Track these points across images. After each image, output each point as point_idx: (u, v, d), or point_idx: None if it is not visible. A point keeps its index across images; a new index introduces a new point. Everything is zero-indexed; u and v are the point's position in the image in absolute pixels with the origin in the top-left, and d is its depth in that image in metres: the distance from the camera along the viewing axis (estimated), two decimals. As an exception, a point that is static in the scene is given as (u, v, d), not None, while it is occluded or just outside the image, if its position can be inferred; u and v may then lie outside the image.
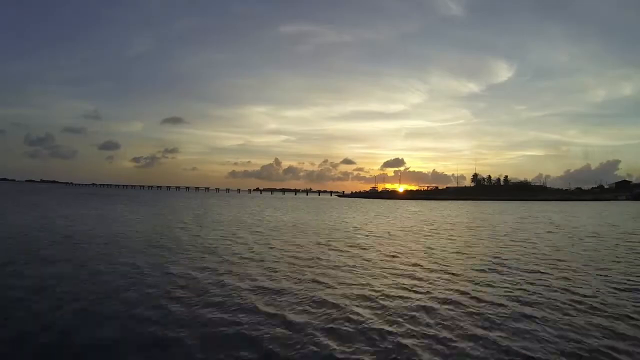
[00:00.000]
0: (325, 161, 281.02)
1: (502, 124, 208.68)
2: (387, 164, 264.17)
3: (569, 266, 10.51)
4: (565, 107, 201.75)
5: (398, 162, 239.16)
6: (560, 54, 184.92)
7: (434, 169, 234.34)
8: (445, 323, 5.83)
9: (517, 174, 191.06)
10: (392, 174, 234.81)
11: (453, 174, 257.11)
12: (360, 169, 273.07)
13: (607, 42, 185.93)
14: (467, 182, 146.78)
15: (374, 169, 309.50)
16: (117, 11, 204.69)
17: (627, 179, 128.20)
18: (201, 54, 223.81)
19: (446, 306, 6.67)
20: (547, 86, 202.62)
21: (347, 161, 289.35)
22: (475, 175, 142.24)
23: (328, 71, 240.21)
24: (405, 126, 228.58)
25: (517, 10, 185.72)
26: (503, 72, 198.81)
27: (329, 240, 15.33)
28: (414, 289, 7.82)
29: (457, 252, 12.80)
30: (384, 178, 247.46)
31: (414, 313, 6.30)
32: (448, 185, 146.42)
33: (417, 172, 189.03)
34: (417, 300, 7.02)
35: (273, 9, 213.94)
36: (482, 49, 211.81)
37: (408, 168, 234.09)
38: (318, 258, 11.27)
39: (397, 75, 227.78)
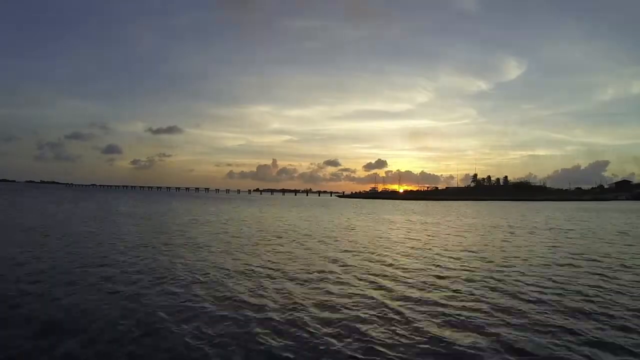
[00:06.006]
0: (313, 163, 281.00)
1: (508, 123, 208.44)
2: (370, 166, 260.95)
3: None
4: (573, 106, 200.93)
5: (381, 163, 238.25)
6: (572, 51, 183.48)
7: (422, 170, 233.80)
8: None
9: (520, 174, 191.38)
10: (384, 175, 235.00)
11: (442, 174, 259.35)
12: (350, 169, 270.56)
13: (619, 40, 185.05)
14: (457, 183, 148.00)
15: (363, 169, 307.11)
16: (117, 9, 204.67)
17: (627, 179, 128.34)
18: (203, 52, 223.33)
19: None
20: (556, 84, 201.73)
21: (343, 162, 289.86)
22: (475, 176, 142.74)
23: (333, 69, 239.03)
24: (410, 126, 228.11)
25: (531, 6, 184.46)
26: (513, 70, 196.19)
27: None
28: None
29: None
30: (375, 179, 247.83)
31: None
32: (447, 186, 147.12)
33: (406, 172, 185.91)
34: None
35: (276, 4, 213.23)
36: (494, 46, 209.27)
37: (399, 170, 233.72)
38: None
39: (404, 73, 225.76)
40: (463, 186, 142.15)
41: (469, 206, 62.73)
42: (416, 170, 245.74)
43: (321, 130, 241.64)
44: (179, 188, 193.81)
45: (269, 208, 44.18)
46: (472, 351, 4.94)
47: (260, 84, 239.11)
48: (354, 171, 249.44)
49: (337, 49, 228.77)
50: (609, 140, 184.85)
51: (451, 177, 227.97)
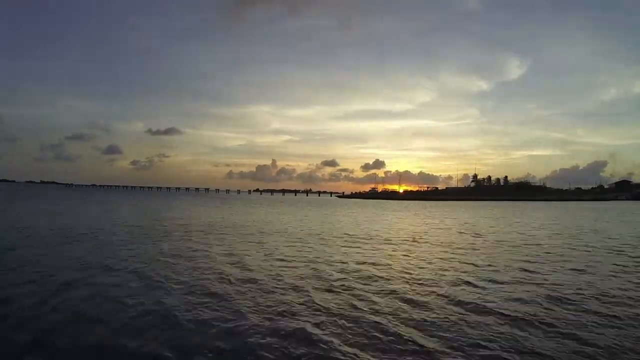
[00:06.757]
0: (311, 163, 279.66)
1: (509, 123, 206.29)
2: (368, 166, 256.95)
3: None
4: (575, 105, 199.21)
5: (379, 163, 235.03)
6: (573, 51, 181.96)
7: (421, 170, 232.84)
8: None
9: (520, 174, 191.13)
10: (383, 175, 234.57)
11: (440, 175, 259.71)
12: (349, 170, 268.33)
13: (621, 40, 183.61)
14: (456, 183, 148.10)
15: (361, 169, 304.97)
16: (117, 9, 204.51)
17: (626, 179, 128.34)
18: (203, 52, 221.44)
19: None
20: (558, 84, 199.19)
21: (341, 162, 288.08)
22: (475, 176, 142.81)
23: (333, 68, 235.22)
24: (410, 126, 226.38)
25: (533, 6, 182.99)
26: (515, 69, 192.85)
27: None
28: None
29: None
30: (375, 179, 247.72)
31: None
32: (446, 186, 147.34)
33: (405, 172, 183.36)
34: None
35: (277, 4, 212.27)
36: (496, 45, 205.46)
37: (398, 170, 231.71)
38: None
39: (405, 73, 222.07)
40: (463, 186, 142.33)
41: (455, 206, 62.71)
42: (415, 170, 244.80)
43: (321, 130, 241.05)
44: (178, 188, 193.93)
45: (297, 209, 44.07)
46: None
47: (260, 84, 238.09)
48: (352, 171, 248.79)
49: (337, 48, 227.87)
50: (610, 141, 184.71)
51: (450, 177, 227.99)
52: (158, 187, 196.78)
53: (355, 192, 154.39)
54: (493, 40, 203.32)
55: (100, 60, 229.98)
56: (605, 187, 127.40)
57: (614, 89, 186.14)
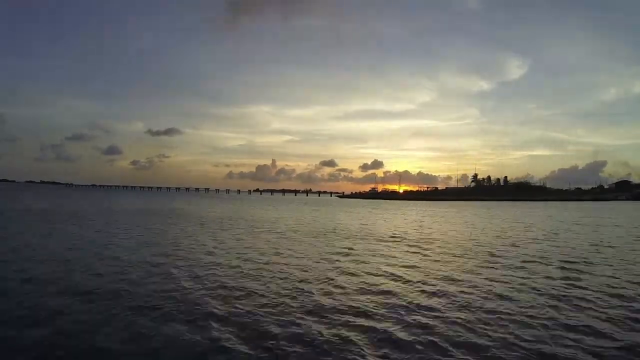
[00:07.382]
0: (310, 164, 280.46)
1: (509, 123, 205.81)
2: (367, 166, 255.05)
3: None
4: (575, 105, 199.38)
5: (378, 163, 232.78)
6: (573, 51, 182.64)
7: (420, 170, 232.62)
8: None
9: (520, 174, 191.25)
10: (382, 175, 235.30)
11: (439, 175, 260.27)
12: (347, 170, 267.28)
13: (621, 40, 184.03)
14: (456, 183, 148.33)
15: (360, 169, 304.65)
16: (117, 9, 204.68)
17: (626, 179, 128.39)
18: (203, 52, 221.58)
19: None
20: (558, 84, 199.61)
21: (339, 162, 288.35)
22: (475, 176, 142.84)
23: (333, 68, 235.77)
24: (410, 126, 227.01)
25: (533, 6, 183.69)
26: (515, 69, 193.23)
27: None
28: None
29: None
30: (375, 179, 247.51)
31: None
32: (446, 186, 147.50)
33: (404, 172, 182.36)
34: None
35: (277, 4, 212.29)
36: (496, 45, 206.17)
37: (397, 170, 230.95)
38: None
39: (405, 73, 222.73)
40: (463, 186, 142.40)
41: (462, 206, 62.81)
42: (414, 170, 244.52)
43: (321, 130, 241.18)
44: (178, 188, 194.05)
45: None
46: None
47: (260, 84, 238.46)
48: (351, 172, 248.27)
49: (337, 48, 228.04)
50: (610, 141, 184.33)
51: (449, 177, 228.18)
52: (158, 187, 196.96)
53: (356, 192, 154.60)
54: (493, 40, 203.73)
55: (101, 60, 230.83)
56: (605, 187, 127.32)
57: (614, 89, 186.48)
